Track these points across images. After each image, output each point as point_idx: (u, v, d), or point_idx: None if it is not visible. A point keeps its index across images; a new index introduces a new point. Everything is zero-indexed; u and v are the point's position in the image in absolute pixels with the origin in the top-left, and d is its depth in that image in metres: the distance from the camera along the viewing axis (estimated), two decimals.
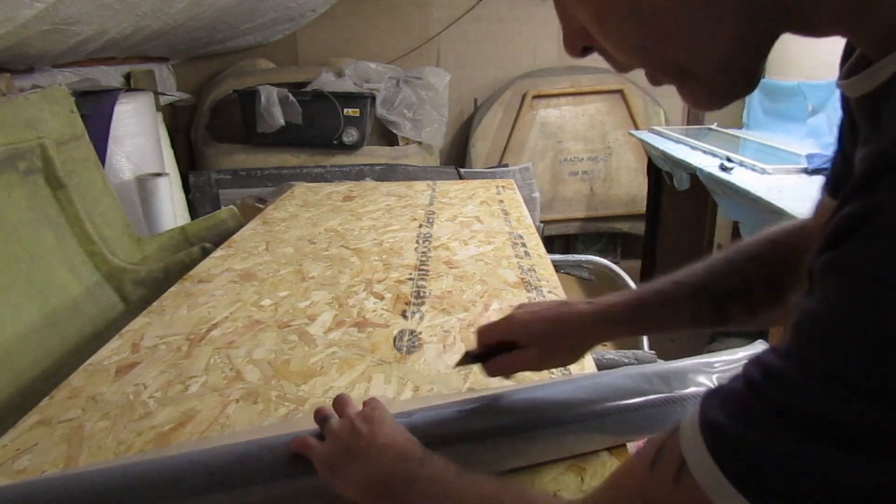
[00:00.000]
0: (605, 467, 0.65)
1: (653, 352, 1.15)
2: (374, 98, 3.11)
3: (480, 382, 0.80)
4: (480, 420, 0.63)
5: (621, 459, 0.66)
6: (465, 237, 1.40)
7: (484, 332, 0.67)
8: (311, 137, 3.08)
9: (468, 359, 0.69)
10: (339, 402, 0.62)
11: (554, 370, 0.83)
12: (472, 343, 0.90)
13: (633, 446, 0.69)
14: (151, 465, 0.58)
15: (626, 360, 1.04)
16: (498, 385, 0.77)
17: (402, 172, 2.84)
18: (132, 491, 0.55)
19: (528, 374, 0.82)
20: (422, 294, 1.09)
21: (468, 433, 0.62)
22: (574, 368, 0.82)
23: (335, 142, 3.07)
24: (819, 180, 0.55)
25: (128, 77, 2.63)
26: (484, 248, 1.32)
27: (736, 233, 2.91)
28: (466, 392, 0.77)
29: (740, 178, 2.01)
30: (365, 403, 0.60)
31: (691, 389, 0.67)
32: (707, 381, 0.68)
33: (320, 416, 0.61)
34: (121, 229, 1.51)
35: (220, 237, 1.55)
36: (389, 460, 0.52)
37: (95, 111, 1.88)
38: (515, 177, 2.71)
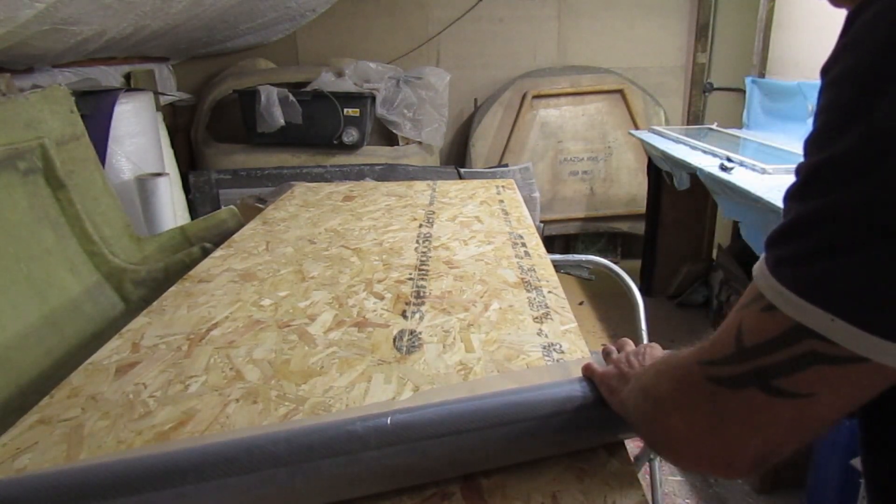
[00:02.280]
0: (605, 467, 0.65)
1: None
2: (374, 98, 3.11)
3: (480, 382, 0.80)
4: (479, 417, 0.63)
5: (620, 458, 0.66)
6: (465, 237, 1.40)
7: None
8: (311, 137, 3.08)
9: None
10: (620, 343, 0.75)
11: (551, 366, 0.83)
12: (471, 343, 0.91)
13: (631, 444, 0.69)
14: (162, 456, 0.59)
15: None
16: (496, 382, 0.77)
17: (402, 172, 2.84)
18: (141, 480, 0.56)
19: (526, 373, 0.82)
20: (422, 294, 1.09)
21: (468, 429, 0.62)
22: (573, 368, 0.82)
23: (335, 142, 3.07)
24: None
25: (128, 77, 2.63)
26: (484, 248, 1.32)
27: (736, 233, 2.91)
28: (466, 390, 0.77)
29: (740, 178, 2.01)
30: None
31: None
32: None
33: (605, 350, 0.74)
34: (121, 229, 1.50)
35: (220, 237, 1.55)
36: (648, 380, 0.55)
37: (95, 111, 1.88)
38: (515, 177, 2.71)
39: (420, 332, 0.94)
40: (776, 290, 0.38)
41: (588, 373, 0.69)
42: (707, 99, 3.71)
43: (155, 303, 1.09)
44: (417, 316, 1.00)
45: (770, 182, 1.91)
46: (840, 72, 0.37)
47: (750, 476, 0.53)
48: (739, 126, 3.01)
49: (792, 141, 2.49)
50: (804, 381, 0.38)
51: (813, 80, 2.41)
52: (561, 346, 0.89)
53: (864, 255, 0.34)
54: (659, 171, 2.96)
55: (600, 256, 1.62)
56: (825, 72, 0.38)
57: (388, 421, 0.61)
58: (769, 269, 0.39)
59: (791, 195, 0.39)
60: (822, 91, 0.38)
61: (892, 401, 0.42)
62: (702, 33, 3.63)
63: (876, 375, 0.36)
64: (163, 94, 2.80)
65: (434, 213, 1.61)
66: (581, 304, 3.23)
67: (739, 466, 0.44)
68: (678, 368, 0.47)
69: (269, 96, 2.93)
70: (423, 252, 1.31)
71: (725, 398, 0.42)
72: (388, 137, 3.32)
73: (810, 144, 0.38)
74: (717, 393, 0.42)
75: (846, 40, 0.37)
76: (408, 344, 0.91)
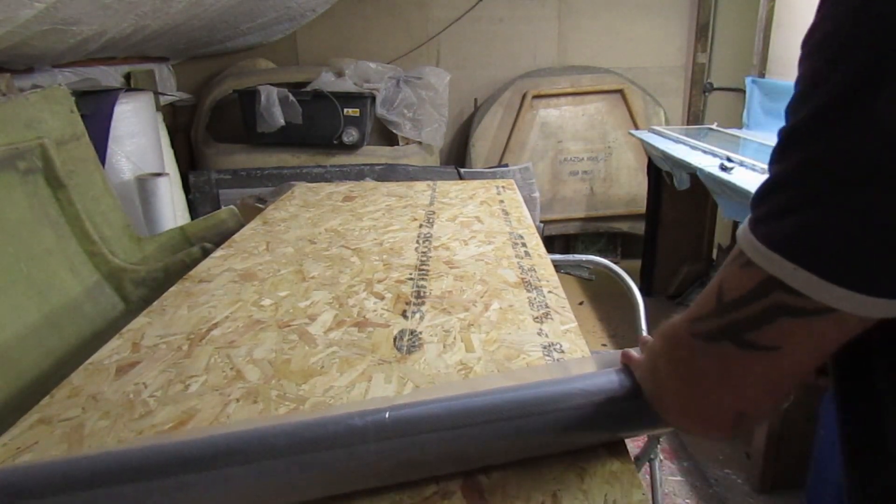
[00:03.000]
0: (605, 467, 0.65)
1: None
2: (374, 98, 3.11)
3: (480, 381, 0.80)
4: (478, 414, 0.63)
5: (620, 458, 0.66)
6: (465, 237, 1.40)
7: None
8: (311, 137, 3.08)
9: None
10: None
11: (551, 365, 0.83)
12: (471, 342, 0.91)
13: (631, 444, 0.69)
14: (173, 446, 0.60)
15: None
16: (495, 381, 0.77)
17: (402, 172, 2.84)
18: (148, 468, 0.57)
19: (525, 372, 0.82)
20: (422, 294, 1.09)
21: (466, 426, 0.62)
22: (574, 368, 0.82)
23: (335, 142, 3.07)
24: None
25: (128, 77, 2.64)
26: (484, 248, 1.32)
27: (736, 233, 2.91)
28: (465, 389, 0.77)
29: (740, 178, 2.01)
30: None
31: None
32: None
33: (642, 340, 0.70)
34: (121, 229, 1.50)
35: (220, 237, 1.55)
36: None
37: (95, 111, 1.88)
38: (515, 177, 2.71)
39: (420, 332, 0.94)
40: (753, 245, 0.40)
41: (625, 359, 0.70)
42: (707, 99, 3.71)
43: (155, 303, 1.09)
44: (418, 316, 1.00)
45: None
46: (815, 42, 0.38)
47: (731, 436, 0.55)
48: (739, 126, 3.01)
49: None
50: (772, 335, 0.40)
51: None
52: (561, 346, 0.89)
53: (827, 208, 0.36)
54: (659, 171, 2.96)
55: (600, 256, 1.62)
56: (804, 44, 0.40)
57: (387, 416, 0.61)
58: (749, 228, 0.41)
59: (772, 159, 0.41)
60: (800, 62, 0.39)
61: (858, 368, 0.45)
62: (702, 33, 3.63)
63: (837, 327, 0.38)
64: (163, 94, 2.80)
65: (434, 213, 1.61)
66: (581, 304, 3.23)
67: (718, 423, 0.47)
68: (670, 327, 0.50)
69: (269, 96, 2.93)
70: (424, 252, 1.31)
71: (703, 353, 0.45)
72: (388, 137, 3.32)
73: (788, 111, 0.40)
74: (697, 348, 0.45)
75: (823, 11, 0.38)
76: (408, 344, 0.91)
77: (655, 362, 0.53)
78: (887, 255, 0.35)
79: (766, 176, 0.41)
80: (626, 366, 0.67)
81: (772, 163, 0.41)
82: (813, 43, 0.39)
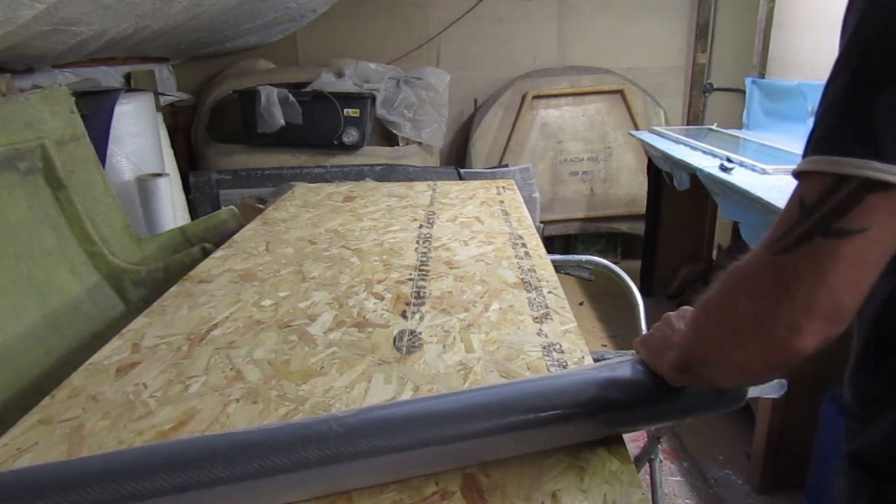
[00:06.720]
0: (605, 466, 0.65)
1: None
2: (374, 98, 3.11)
3: (479, 382, 0.80)
4: (479, 411, 0.63)
5: (619, 457, 0.66)
6: (465, 237, 1.40)
7: None
8: (312, 137, 3.08)
9: None
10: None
11: (550, 365, 0.83)
12: (471, 343, 0.91)
13: (631, 444, 0.69)
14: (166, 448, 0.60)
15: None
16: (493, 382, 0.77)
17: (402, 173, 2.84)
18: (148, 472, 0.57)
19: (524, 371, 0.82)
20: (422, 294, 1.09)
21: (465, 423, 0.62)
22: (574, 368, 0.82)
23: (335, 142, 3.07)
24: None
25: (128, 77, 2.64)
26: (484, 249, 1.32)
27: (736, 233, 2.91)
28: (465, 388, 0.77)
29: (740, 178, 2.01)
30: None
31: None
32: None
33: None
34: (121, 229, 1.50)
35: (221, 237, 1.55)
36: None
37: (95, 111, 1.88)
38: (515, 177, 2.71)
39: (420, 333, 0.94)
40: (816, 160, 0.47)
41: (634, 345, 0.72)
42: (707, 99, 3.71)
43: (155, 303, 1.09)
44: (417, 316, 1.00)
45: (770, 182, 1.90)
46: None
47: (812, 350, 0.53)
48: (739, 126, 3.01)
49: (792, 141, 2.49)
50: (859, 216, 0.44)
51: (813, 80, 2.41)
52: (561, 346, 0.89)
53: (846, 106, 0.45)
54: (659, 172, 2.96)
55: (600, 257, 1.62)
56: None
57: (357, 418, 0.61)
58: (809, 153, 0.48)
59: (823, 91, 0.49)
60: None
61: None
62: (702, 33, 3.63)
63: None
64: (163, 94, 2.80)
65: (434, 213, 1.61)
66: (581, 304, 3.23)
67: (807, 333, 0.46)
68: (742, 263, 0.51)
69: (269, 96, 2.93)
70: (424, 252, 1.31)
71: (791, 260, 0.47)
72: (388, 138, 3.32)
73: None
74: (780, 262, 0.47)
75: None
76: (408, 344, 0.91)
77: (726, 302, 0.51)
78: None
79: (765, 177, 0.44)
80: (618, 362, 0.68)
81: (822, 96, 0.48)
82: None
